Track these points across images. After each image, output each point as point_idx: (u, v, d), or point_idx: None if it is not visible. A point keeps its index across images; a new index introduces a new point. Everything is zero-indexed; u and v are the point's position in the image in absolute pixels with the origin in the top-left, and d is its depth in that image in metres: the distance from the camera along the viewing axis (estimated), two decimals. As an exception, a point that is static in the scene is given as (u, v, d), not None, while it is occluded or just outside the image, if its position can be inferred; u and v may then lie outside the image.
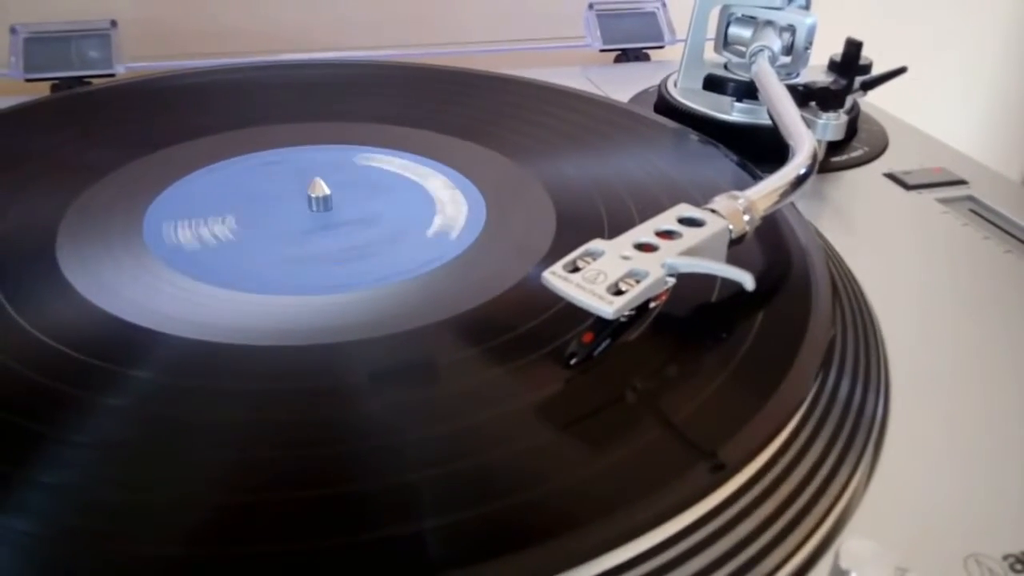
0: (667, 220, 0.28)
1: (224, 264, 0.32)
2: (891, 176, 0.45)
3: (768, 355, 0.27)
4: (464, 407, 0.25)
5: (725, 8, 0.49)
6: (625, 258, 0.26)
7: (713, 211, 0.29)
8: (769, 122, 0.40)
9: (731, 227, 0.29)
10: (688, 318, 0.29)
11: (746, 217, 0.29)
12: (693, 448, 0.24)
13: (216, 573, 0.20)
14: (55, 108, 0.46)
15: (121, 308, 0.29)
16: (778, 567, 0.22)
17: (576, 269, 0.26)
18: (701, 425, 0.24)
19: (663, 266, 0.26)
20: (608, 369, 0.26)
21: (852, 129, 0.49)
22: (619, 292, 0.25)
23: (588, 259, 0.26)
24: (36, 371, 0.26)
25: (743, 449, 0.23)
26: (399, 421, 0.24)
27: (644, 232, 0.27)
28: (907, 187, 0.44)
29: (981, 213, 0.42)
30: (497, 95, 0.48)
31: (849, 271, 0.36)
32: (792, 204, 0.37)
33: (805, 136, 0.36)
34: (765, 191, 0.31)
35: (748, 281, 0.25)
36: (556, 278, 0.25)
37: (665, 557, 0.21)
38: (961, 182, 0.44)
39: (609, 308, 0.24)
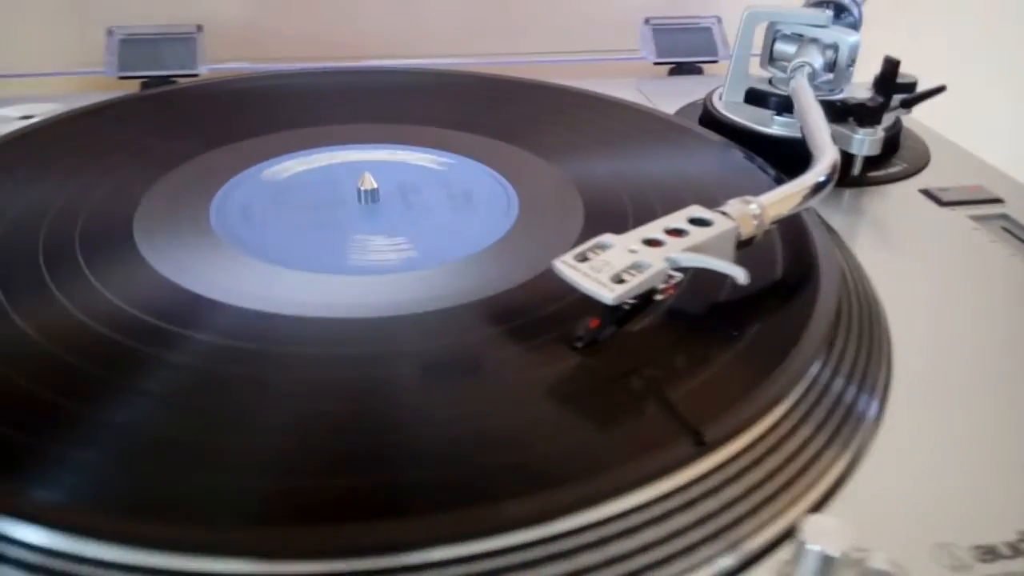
0: (678, 219, 0.30)
1: (279, 245, 0.35)
2: (926, 192, 0.46)
3: (766, 350, 0.29)
4: (483, 378, 0.28)
5: (772, 25, 0.51)
6: (632, 251, 0.28)
7: (724, 213, 0.31)
8: (808, 136, 0.42)
9: (738, 229, 0.30)
10: (698, 313, 0.31)
11: (755, 221, 0.31)
12: (681, 424, 0.26)
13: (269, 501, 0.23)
14: (144, 103, 0.50)
15: (188, 280, 0.32)
16: (746, 538, 0.24)
17: (585, 259, 0.28)
18: (693, 405, 0.26)
19: (666, 260, 0.28)
20: (617, 352, 0.29)
21: (894, 145, 0.50)
22: (621, 281, 0.27)
23: (598, 251, 0.28)
24: (117, 332, 0.29)
25: (726, 428, 0.25)
26: (430, 386, 0.27)
27: (653, 229, 0.30)
28: (941, 203, 0.45)
29: (1013, 231, 0.43)
30: (547, 103, 0.51)
31: (867, 280, 0.37)
32: (816, 213, 0.39)
33: (828, 149, 0.37)
34: (778, 197, 0.33)
35: (741, 276, 0.27)
36: (564, 266, 0.28)
37: (646, 515, 0.24)
38: (997, 200, 0.45)
39: (609, 294, 0.26)
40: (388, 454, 0.25)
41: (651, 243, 0.29)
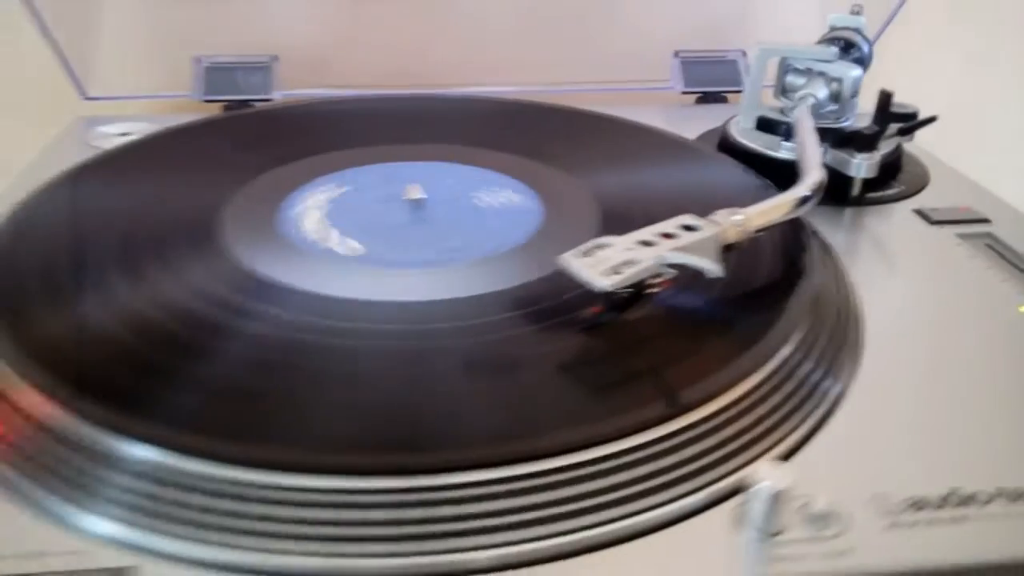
0: (670, 225, 0.36)
1: (335, 242, 0.42)
2: (919, 212, 0.50)
3: (744, 335, 0.35)
4: (507, 351, 0.34)
5: (784, 60, 0.56)
6: (628, 250, 0.34)
7: (712, 221, 0.37)
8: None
9: (723, 234, 0.36)
10: (691, 306, 0.37)
11: (739, 229, 0.37)
12: (664, 388, 0.31)
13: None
14: (227, 124, 0.58)
15: (259, 265, 0.39)
16: (713, 482, 0.29)
17: (588, 254, 0.34)
18: (677, 375, 0.32)
19: (655, 257, 0.33)
20: (618, 334, 0.35)
21: (895, 168, 0.55)
22: (617, 273, 0.33)
23: (598, 249, 0.34)
24: (207, 307, 0.36)
25: (699, 393, 0.31)
26: (466, 357, 0.33)
27: (648, 232, 0.35)
28: (931, 222, 0.49)
29: (996, 248, 0.47)
30: (571, 126, 0.57)
31: (849, 285, 0.42)
32: (811, 227, 0.44)
33: (814, 170, 0.42)
34: (762, 209, 0.38)
35: (715, 271, 0.33)
36: (568, 259, 0.33)
37: (632, 457, 0.29)
38: (984, 220, 0.49)
39: (603, 283, 0.32)
40: (438, 403, 0.31)
41: (645, 244, 0.35)
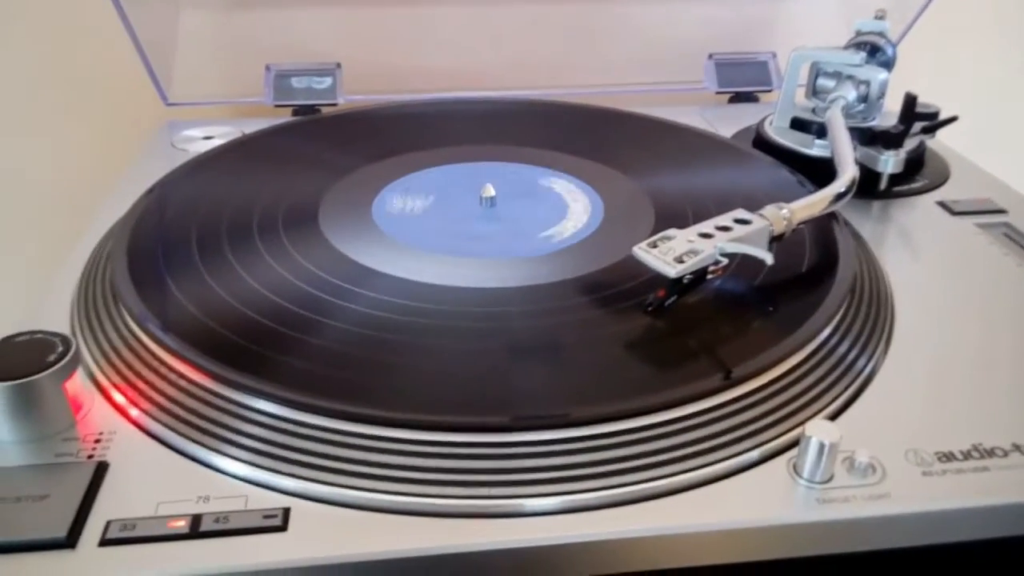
0: (726, 219, 0.41)
1: (422, 235, 0.47)
2: (941, 204, 0.55)
3: (789, 319, 0.40)
4: (580, 330, 0.39)
5: (815, 64, 0.61)
6: (690, 241, 0.39)
7: (761, 215, 0.41)
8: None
9: (771, 227, 0.41)
10: (742, 292, 0.42)
11: (785, 222, 0.41)
12: (719, 362, 0.36)
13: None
14: (303, 127, 0.63)
15: (358, 255, 0.44)
16: (768, 441, 0.34)
17: (655, 246, 0.39)
18: (731, 352, 0.37)
19: (715, 247, 0.38)
20: (678, 316, 0.40)
21: (919, 164, 0.59)
22: (681, 261, 0.38)
23: (664, 240, 0.39)
24: (312, 286, 0.42)
25: (750, 368, 0.36)
26: (542, 334, 0.38)
27: (707, 226, 0.40)
28: (952, 213, 0.54)
29: (1013, 237, 0.52)
30: (628, 127, 0.62)
31: (882, 273, 0.47)
32: (845, 220, 0.49)
33: (849, 167, 0.47)
34: (805, 204, 0.43)
35: (768, 259, 0.38)
36: (640, 250, 0.38)
37: (697, 420, 0.34)
38: (1001, 211, 0.54)
39: (672, 270, 0.37)
40: (536, 374, 0.36)
41: (704, 236, 0.39)
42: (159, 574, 0.29)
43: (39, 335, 0.35)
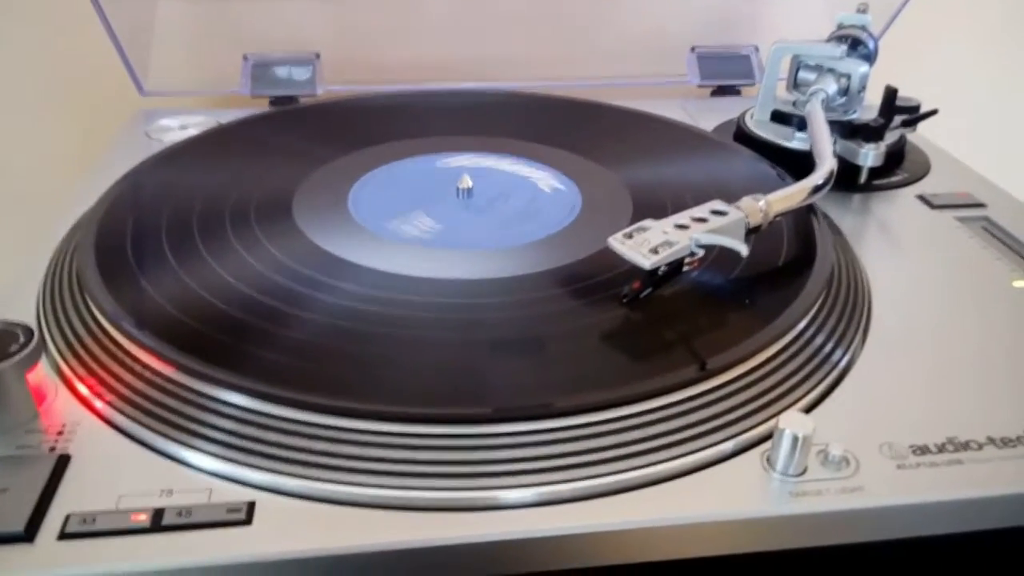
0: (702, 210, 0.40)
1: (395, 226, 0.46)
2: (921, 197, 0.55)
3: (765, 311, 0.39)
4: (556, 322, 0.38)
5: (796, 56, 0.60)
6: (665, 232, 0.39)
7: (737, 207, 0.41)
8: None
9: (747, 218, 0.40)
10: (719, 285, 0.42)
11: (761, 213, 0.41)
12: (694, 354, 0.36)
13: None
14: (280, 117, 0.62)
15: (332, 246, 0.44)
16: (741, 432, 0.34)
17: (630, 237, 0.38)
18: (706, 343, 0.37)
19: (690, 239, 0.38)
20: (654, 307, 0.39)
21: (899, 157, 0.59)
22: (656, 252, 0.37)
23: (639, 232, 0.39)
24: (285, 277, 0.41)
25: (725, 360, 0.36)
26: (516, 326, 0.38)
27: (683, 217, 0.40)
28: (932, 206, 0.54)
29: (991, 230, 0.52)
30: (603, 120, 0.61)
31: (860, 266, 0.47)
32: (819, 209, 0.49)
33: (827, 160, 0.47)
34: (782, 195, 0.43)
35: (743, 250, 0.37)
36: (615, 241, 0.38)
37: (672, 411, 0.34)
38: (980, 205, 0.54)
39: (646, 261, 0.37)
40: (507, 365, 0.35)
41: (680, 227, 0.39)
42: (118, 568, 0.28)
43: (1, 324, 0.34)
